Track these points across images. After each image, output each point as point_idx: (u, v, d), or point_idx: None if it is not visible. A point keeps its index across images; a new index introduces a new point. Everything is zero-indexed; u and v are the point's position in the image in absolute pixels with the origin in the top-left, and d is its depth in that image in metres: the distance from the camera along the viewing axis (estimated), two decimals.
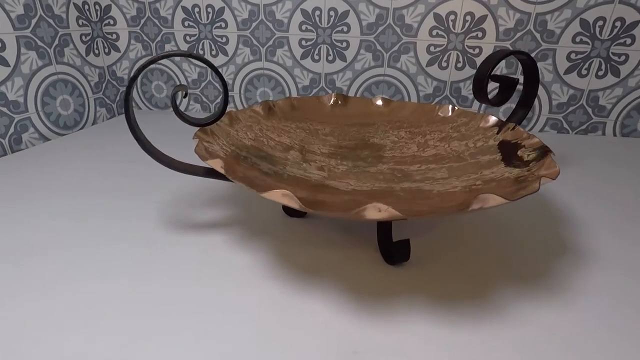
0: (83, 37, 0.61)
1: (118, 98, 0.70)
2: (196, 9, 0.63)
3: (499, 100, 0.36)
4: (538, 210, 0.37)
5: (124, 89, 0.70)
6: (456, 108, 0.40)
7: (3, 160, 0.47)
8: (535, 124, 0.63)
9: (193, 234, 0.32)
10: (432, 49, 0.61)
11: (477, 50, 0.60)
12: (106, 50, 0.66)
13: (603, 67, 0.58)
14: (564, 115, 0.62)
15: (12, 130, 0.51)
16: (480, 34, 0.59)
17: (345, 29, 0.61)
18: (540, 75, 0.60)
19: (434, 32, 0.60)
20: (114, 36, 0.67)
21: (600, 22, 0.55)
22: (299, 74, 0.66)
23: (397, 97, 0.65)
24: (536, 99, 0.61)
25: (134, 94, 0.72)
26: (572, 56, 0.58)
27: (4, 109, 0.50)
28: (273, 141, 0.38)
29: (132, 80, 0.24)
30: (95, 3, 0.63)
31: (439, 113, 0.40)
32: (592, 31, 0.56)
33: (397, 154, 0.38)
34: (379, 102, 0.44)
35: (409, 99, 0.64)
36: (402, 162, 0.37)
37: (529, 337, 0.22)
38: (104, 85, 0.66)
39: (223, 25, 0.64)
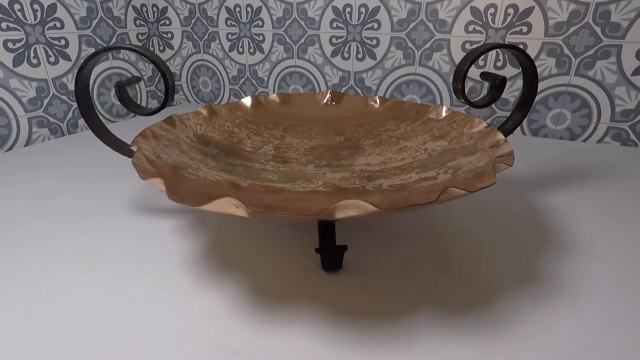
0: (139, 36, 0.68)
1: None
2: (237, 9, 0.67)
3: (490, 100, 0.31)
4: (541, 230, 0.31)
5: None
6: (450, 109, 0.36)
7: (61, 140, 0.56)
8: (592, 133, 0.54)
9: (152, 217, 0.34)
10: (467, 46, 0.55)
11: (521, 47, 0.53)
12: (161, 47, 0.73)
13: None
14: (631, 124, 0.51)
15: (70, 115, 0.60)
16: (524, 29, 0.52)
17: (375, 25, 0.59)
18: (600, 77, 0.51)
19: (470, 28, 0.54)
20: (169, 35, 0.73)
21: None
22: (329, 72, 0.65)
23: (428, 98, 0.60)
24: (595, 105, 0.52)
25: (185, 88, 0.78)
26: None
27: (64, 97, 0.59)
28: (250, 136, 0.39)
29: (80, 70, 0.27)
30: (153, 5, 0.70)
31: (430, 115, 0.37)
32: None
33: (374, 154, 0.36)
34: (374, 102, 0.41)
35: (441, 100, 0.60)
36: (375, 163, 0.35)
37: None
38: (156, 79, 0.73)
39: (260, 23, 0.66)
